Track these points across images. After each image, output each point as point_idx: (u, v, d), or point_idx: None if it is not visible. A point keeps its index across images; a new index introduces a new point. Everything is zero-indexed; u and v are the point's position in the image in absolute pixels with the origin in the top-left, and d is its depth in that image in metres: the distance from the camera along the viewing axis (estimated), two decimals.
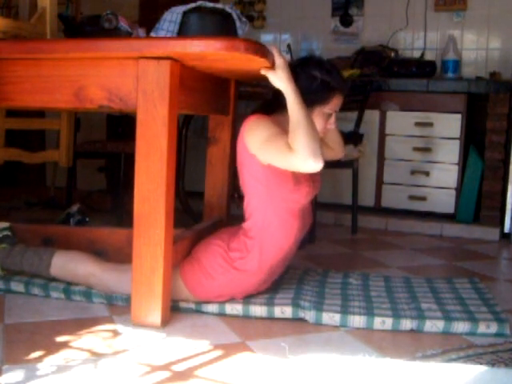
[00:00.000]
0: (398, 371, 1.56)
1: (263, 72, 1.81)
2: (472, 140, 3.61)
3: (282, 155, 1.79)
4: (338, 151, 2.27)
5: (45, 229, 2.39)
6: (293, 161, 1.77)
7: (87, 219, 2.61)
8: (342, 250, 3.04)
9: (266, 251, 1.93)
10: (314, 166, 1.75)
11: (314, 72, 1.92)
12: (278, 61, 1.78)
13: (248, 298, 1.99)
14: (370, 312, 1.94)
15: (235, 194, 1.98)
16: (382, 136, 3.72)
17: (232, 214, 2.56)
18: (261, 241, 1.92)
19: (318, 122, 1.94)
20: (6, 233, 2.14)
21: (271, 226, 1.92)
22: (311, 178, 1.99)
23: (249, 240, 1.93)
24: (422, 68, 3.79)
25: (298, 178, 1.92)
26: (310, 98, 1.88)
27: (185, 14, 2.02)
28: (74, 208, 2.64)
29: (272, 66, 1.79)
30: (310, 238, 3.02)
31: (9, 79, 1.88)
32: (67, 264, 2.04)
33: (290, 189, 1.91)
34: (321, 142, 1.92)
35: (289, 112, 1.80)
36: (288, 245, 1.97)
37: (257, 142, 1.87)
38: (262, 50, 1.67)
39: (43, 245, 2.27)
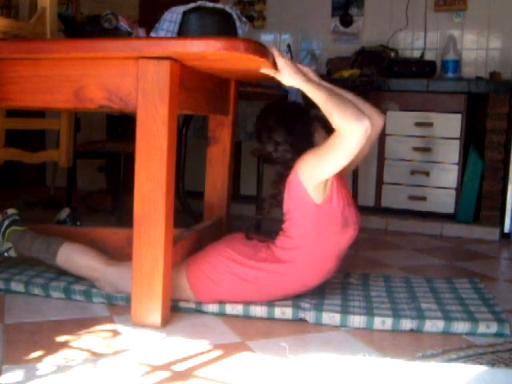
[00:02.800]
0: (397, 371, 1.56)
1: (267, 71, 1.81)
2: (472, 140, 3.61)
3: (333, 148, 1.74)
4: (375, 122, 2.02)
5: (45, 229, 2.39)
6: (342, 139, 1.71)
7: (78, 223, 2.57)
8: None
9: (289, 283, 1.94)
10: (362, 126, 1.68)
11: (279, 128, 1.94)
12: (279, 61, 1.78)
13: None
14: (369, 312, 1.94)
15: (278, 197, 1.99)
16: (382, 136, 3.71)
17: (232, 213, 2.57)
18: (287, 272, 1.92)
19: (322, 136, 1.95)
20: (15, 217, 2.19)
21: (307, 264, 1.92)
22: (357, 220, 1.97)
23: (276, 265, 1.92)
24: (422, 68, 3.79)
25: (346, 220, 1.91)
26: (306, 138, 1.93)
27: (185, 13, 2.03)
28: (63, 214, 2.58)
29: (275, 67, 1.79)
30: None
31: (9, 79, 1.88)
32: (73, 255, 2.05)
33: (337, 231, 1.90)
34: None
35: (314, 101, 1.77)
36: (313, 282, 1.98)
37: (308, 166, 1.83)
38: (261, 50, 1.67)
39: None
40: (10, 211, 2.21)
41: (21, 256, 2.16)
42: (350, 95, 1.99)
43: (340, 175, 1.94)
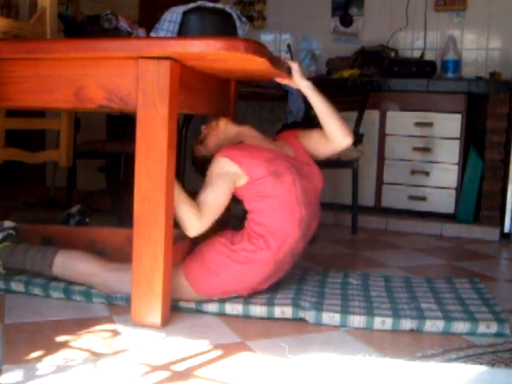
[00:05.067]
0: (397, 371, 1.56)
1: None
2: (472, 140, 3.61)
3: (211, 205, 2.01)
4: (340, 139, 2.13)
5: (45, 229, 2.40)
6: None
7: (87, 220, 2.62)
8: (342, 250, 3.04)
9: (271, 244, 1.94)
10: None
11: None
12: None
13: (248, 298, 1.99)
14: (369, 312, 1.94)
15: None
16: (382, 136, 3.72)
17: (232, 213, 2.56)
18: (266, 235, 1.94)
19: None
20: (10, 231, 2.15)
21: (275, 221, 1.94)
22: (291, 165, 2.02)
23: (254, 235, 1.94)
24: (422, 68, 3.79)
25: (276, 172, 1.96)
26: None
27: (185, 13, 2.03)
28: (75, 209, 2.66)
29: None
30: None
31: (9, 79, 1.88)
32: (69, 263, 2.04)
33: (273, 184, 1.94)
34: (319, 135, 2.15)
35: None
36: (293, 237, 1.97)
37: (207, 176, 2.04)
38: (261, 50, 1.67)
39: (43, 245, 2.28)
40: (7, 224, 2.18)
41: (12, 271, 2.13)
42: (332, 108, 2.12)
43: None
